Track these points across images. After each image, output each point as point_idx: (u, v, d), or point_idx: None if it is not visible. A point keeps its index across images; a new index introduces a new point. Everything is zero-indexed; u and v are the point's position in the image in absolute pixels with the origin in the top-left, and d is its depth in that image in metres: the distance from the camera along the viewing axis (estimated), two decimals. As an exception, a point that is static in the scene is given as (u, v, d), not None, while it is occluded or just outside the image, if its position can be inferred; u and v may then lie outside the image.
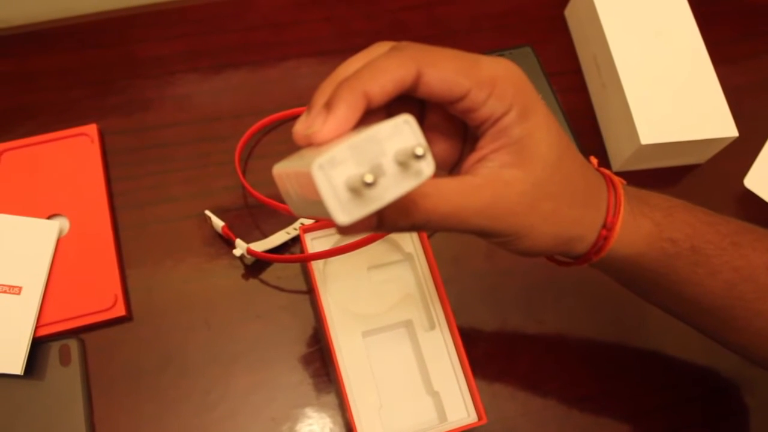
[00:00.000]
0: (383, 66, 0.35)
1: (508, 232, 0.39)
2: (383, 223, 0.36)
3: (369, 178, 0.29)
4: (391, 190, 0.31)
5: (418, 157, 0.31)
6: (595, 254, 0.43)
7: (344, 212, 0.30)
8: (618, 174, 0.70)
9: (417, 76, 0.35)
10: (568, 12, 0.78)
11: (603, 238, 0.42)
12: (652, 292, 0.49)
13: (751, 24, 0.82)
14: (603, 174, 0.44)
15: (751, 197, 0.70)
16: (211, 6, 0.75)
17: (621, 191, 0.43)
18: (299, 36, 0.74)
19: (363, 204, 0.31)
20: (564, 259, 0.45)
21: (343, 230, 0.34)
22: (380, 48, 0.38)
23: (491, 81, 0.36)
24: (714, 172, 0.73)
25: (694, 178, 0.72)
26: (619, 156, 0.69)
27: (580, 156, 0.42)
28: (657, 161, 0.70)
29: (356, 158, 0.31)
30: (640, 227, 0.43)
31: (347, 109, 0.34)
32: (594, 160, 0.47)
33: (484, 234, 0.39)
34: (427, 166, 0.32)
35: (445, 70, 0.36)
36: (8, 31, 0.72)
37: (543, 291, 0.65)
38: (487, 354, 0.62)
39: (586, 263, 0.44)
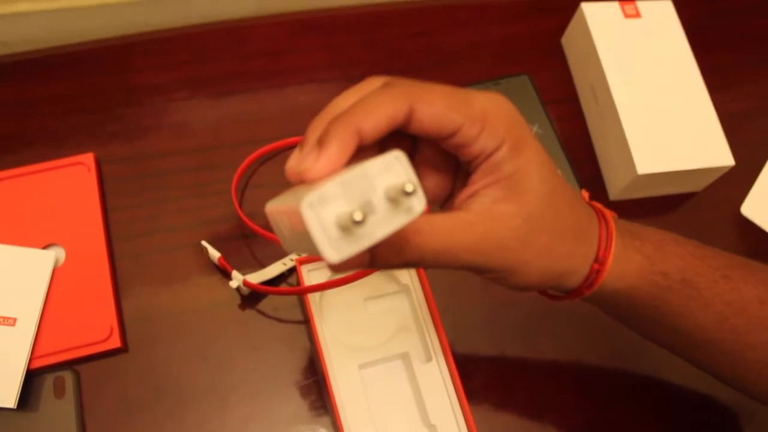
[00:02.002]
0: (376, 102, 0.35)
1: (502, 268, 0.39)
2: (376, 260, 0.36)
3: (358, 216, 0.29)
4: (381, 227, 0.31)
5: (409, 194, 0.31)
6: (587, 288, 0.43)
7: (334, 250, 0.30)
8: (614, 202, 0.71)
9: (409, 113, 0.35)
10: (565, 40, 0.79)
11: (595, 272, 0.42)
12: (645, 325, 0.49)
13: (746, 51, 0.82)
14: (594, 207, 0.44)
15: (748, 225, 0.70)
16: (210, 34, 0.75)
17: (612, 225, 0.43)
18: (297, 64, 0.75)
19: (353, 242, 0.31)
20: (556, 293, 0.45)
21: (335, 267, 0.34)
22: (373, 83, 0.38)
23: (483, 117, 0.37)
24: (711, 199, 0.73)
25: (691, 206, 0.72)
26: (616, 185, 0.69)
27: (571, 190, 0.42)
28: (654, 190, 0.70)
29: (346, 195, 0.31)
30: (632, 261, 0.43)
31: (339, 147, 0.34)
32: (585, 194, 0.47)
33: (477, 270, 0.39)
34: (418, 203, 0.32)
35: (438, 106, 0.36)
36: (7, 59, 0.73)
37: (540, 321, 0.64)
38: (484, 385, 0.62)
39: (578, 297, 0.44)
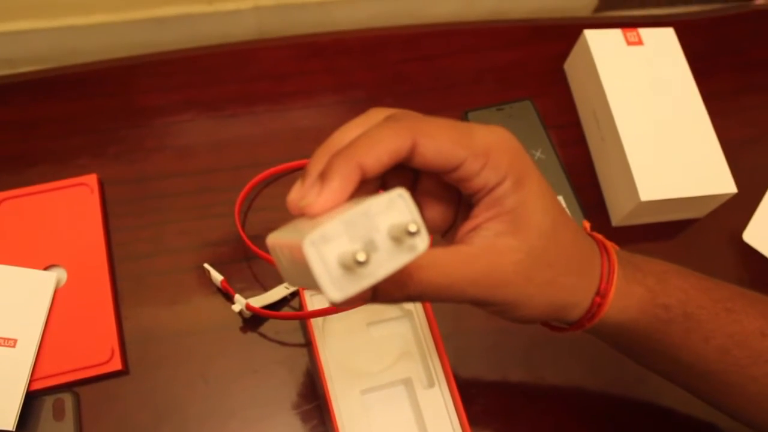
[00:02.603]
0: (378, 137, 0.35)
1: (504, 302, 0.39)
2: (378, 295, 0.36)
3: (361, 257, 0.29)
4: (384, 266, 0.31)
5: (412, 234, 0.31)
6: (589, 320, 0.43)
7: (336, 289, 0.30)
8: (617, 228, 0.71)
9: (412, 147, 0.35)
10: (568, 66, 0.79)
11: (597, 305, 0.42)
12: (646, 357, 0.49)
13: (748, 78, 0.83)
14: (596, 239, 0.44)
15: (750, 252, 0.70)
16: (213, 57, 0.76)
17: (614, 257, 0.43)
18: (300, 87, 0.75)
19: (355, 280, 0.30)
20: (558, 324, 0.45)
21: (337, 305, 0.34)
22: (376, 115, 0.38)
23: (486, 151, 0.37)
24: (713, 226, 0.73)
25: (693, 233, 0.73)
26: (619, 211, 0.69)
27: (573, 222, 0.42)
28: (656, 216, 0.70)
29: (349, 234, 0.31)
30: (633, 293, 0.43)
31: (342, 182, 0.34)
32: (587, 224, 0.47)
33: (479, 304, 0.39)
34: (422, 242, 0.32)
35: (441, 140, 0.36)
36: (10, 79, 0.73)
37: (543, 348, 0.64)
38: (486, 411, 0.61)
39: (579, 329, 0.44)
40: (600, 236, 0.45)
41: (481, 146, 0.37)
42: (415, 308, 0.60)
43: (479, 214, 0.38)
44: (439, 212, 0.41)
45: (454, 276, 0.37)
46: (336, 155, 0.34)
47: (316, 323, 0.58)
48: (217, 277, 0.61)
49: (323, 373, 0.56)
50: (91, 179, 0.65)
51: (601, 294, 0.42)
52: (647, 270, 0.45)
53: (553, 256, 0.39)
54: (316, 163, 0.36)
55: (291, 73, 0.76)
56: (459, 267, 0.37)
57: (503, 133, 0.38)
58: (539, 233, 0.38)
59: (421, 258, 0.34)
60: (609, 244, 0.44)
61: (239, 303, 0.59)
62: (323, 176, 0.34)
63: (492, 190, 0.37)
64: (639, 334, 0.45)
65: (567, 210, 0.47)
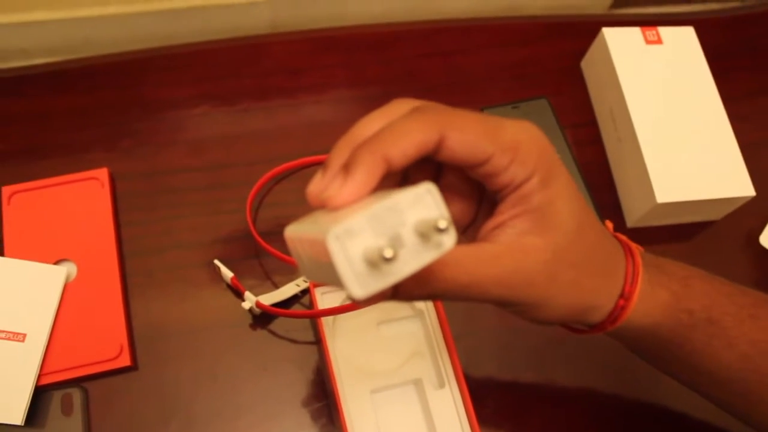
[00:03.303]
0: (406, 129, 0.34)
1: (526, 302, 0.38)
2: (399, 293, 0.35)
3: (389, 253, 0.28)
4: (409, 263, 0.30)
5: (441, 230, 0.29)
6: (611, 323, 0.42)
7: (360, 286, 0.29)
8: (632, 230, 0.70)
9: (440, 141, 0.34)
10: (585, 64, 0.78)
11: (620, 308, 0.41)
12: (667, 362, 0.48)
13: (767, 79, 0.81)
14: (620, 241, 0.43)
15: (767, 255, 0.69)
16: (227, 50, 0.75)
17: (639, 259, 0.42)
18: (314, 82, 0.74)
19: (380, 277, 0.29)
20: (579, 326, 0.44)
21: (357, 301, 0.33)
22: (401, 107, 0.37)
23: (514, 146, 0.36)
24: (730, 229, 0.72)
25: (709, 235, 0.71)
26: (634, 212, 0.68)
27: (599, 223, 0.41)
28: (672, 218, 0.69)
29: (374, 229, 0.29)
30: (657, 297, 0.42)
31: (366, 174, 0.33)
32: (610, 225, 0.46)
33: (501, 303, 0.38)
34: (449, 239, 0.31)
35: (469, 134, 0.35)
36: (24, 71, 0.73)
37: (555, 348, 0.63)
38: (496, 412, 0.61)
39: (601, 332, 0.43)
40: (624, 237, 0.44)
41: (510, 141, 0.36)
42: (427, 308, 0.60)
43: (504, 211, 0.37)
44: (460, 208, 0.40)
45: (477, 275, 0.36)
46: (361, 147, 0.33)
47: (326, 321, 0.58)
48: (227, 273, 0.61)
49: (333, 372, 0.55)
50: (102, 173, 0.65)
51: (625, 296, 0.41)
52: (671, 273, 0.44)
53: (578, 257, 0.38)
54: (339, 155, 0.35)
55: (305, 68, 0.75)
56: (483, 266, 0.36)
57: (532, 129, 0.37)
58: (565, 233, 0.37)
59: (444, 255, 0.33)
60: (633, 245, 0.43)
61: (249, 300, 0.59)
62: (347, 168, 0.33)
63: (519, 186, 0.36)
64: (661, 339, 0.44)
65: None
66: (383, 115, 0.36)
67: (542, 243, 0.37)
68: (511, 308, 0.39)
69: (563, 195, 0.37)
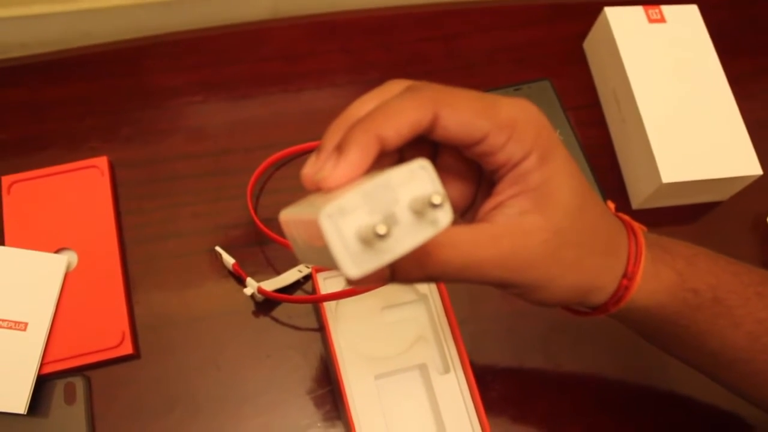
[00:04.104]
0: (399, 108, 0.33)
1: (527, 284, 0.37)
2: (396, 274, 0.35)
3: (382, 230, 0.27)
4: (404, 241, 0.29)
5: (435, 206, 0.29)
6: (614, 305, 0.41)
7: (354, 265, 0.29)
8: (637, 211, 0.69)
9: (434, 119, 0.34)
10: (587, 45, 0.77)
11: (623, 288, 0.40)
12: (672, 344, 0.47)
13: (774, 57, 0.81)
14: (622, 220, 0.43)
15: (775, 236, 0.69)
16: (226, 36, 0.75)
17: (642, 239, 0.41)
18: (314, 67, 0.74)
19: (374, 256, 0.29)
20: (581, 308, 0.43)
21: (354, 282, 0.32)
22: (395, 87, 0.36)
23: (511, 124, 0.35)
24: (736, 209, 0.71)
25: (716, 216, 0.71)
26: (639, 193, 0.68)
27: (600, 201, 0.40)
28: (678, 199, 0.68)
29: (368, 206, 0.29)
30: (662, 276, 0.42)
31: (360, 153, 0.32)
32: (611, 205, 0.45)
33: (501, 285, 0.37)
34: (445, 216, 0.30)
35: (464, 112, 0.34)
36: (21, 61, 0.72)
37: (561, 333, 0.63)
38: (502, 397, 0.60)
39: (604, 314, 0.42)
40: (627, 217, 0.43)
41: (506, 119, 0.35)
42: (431, 292, 0.59)
43: (502, 191, 0.36)
44: (458, 190, 0.40)
45: (476, 256, 0.35)
46: (354, 126, 0.33)
47: (329, 307, 0.57)
48: (228, 260, 0.60)
49: (336, 358, 0.55)
50: (102, 162, 0.65)
51: (628, 276, 0.40)
52: (676, 252, 0.43)
53: (579, 236, 0.37)
54: (333, 135, 0.34)
55: (305, 54, 0.74)
56: (482, 246, 0.35)
57: (529, 106, 0.36)
58: (566, 211, 0.36)
59: (441, 236, 0.32)
60: (636, 225, 0.42)
61: (251, 286, 0.58)
62: (340, 148, 0.32)
63: (516, 165, 0.36)
64: (666, 320, 0.43)
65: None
66: (377, 96, 0.36)
67: (542, 222, 0.36)
68: (511, 290, 0.38)
69: (563, 172, 0.36)
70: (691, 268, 0.43)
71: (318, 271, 0.59)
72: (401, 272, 0.35)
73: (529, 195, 0.36)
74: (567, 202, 0.36)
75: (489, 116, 0.34)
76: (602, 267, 0.40)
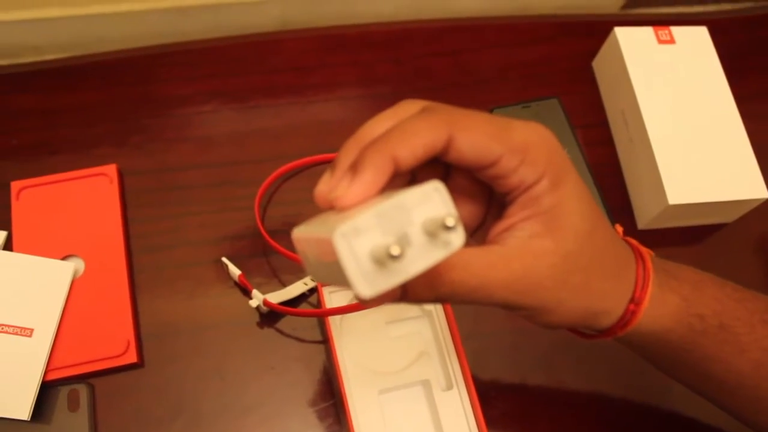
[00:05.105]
0: (414, 129, 0.34)
1: (535, 306, 0.37)
2: (407, 294, 0.35)
3: (395, 251, 0.28)
4: (417, 262, 0.30)
5: (448, 228, 0.29)
6: (620, 329, 0.41)
7: (367, 285, 0.29)
8: (643, 231, 0.69)
9: (448, 141, 0.34)
10: (596, 64, 0.78)
11: (630, 313, 0.41)
12: (677, 368, 0.47)
13: (782, 79, 0.81)
14: (630, 244, 0.43)
15: (780, 259, 0.69)
16: (237, 47, 0.75)
17: (649, 264, 0.41)
18: (324, 80, 0.74)
19: (387, 276, 0.29)
20: (587, 331, 0.44)
21: (365, 302, 0.33)
22: (409, 108, 0.36)
23: (524, 147, 0.35)
24: (741, 231, 0.71)
25: (721, 238, 0.71)
26: (646, 214, 0.68)
27: (609, 226, 0.40)
28: (684, 220, 0.69)
29: (382, 227, 0.29)
30: (668, 302, 0.42)
31: (374, 174, 0.32)
32: (620, 229, 0.45)
33: (509, 307, 0.38)
34: (457, 238, 0.30)
35: (477, 135, 0.35)
36: (33, 66, 0.73)
37: (564, 351, 0.63)
38: (505, 414, 0.60)
39: (610, 337, 0.42)
40: (635, 241, 0.43)
41: (519, 143, 0.35)
42: (435, 308, 0.59)
43: (514, 214, 0.37)
44: (469, 211, 0.40)
45: (486, 278, 0.35)
46: (369, 147, 0.33)
47: (333, 321, 0.57)
48: (235, 271, 0.61)
49: (340, 372, 0.55)
50: (111, 169, 0.65)
51: (635, 301, 0.41)
52: (682, 278, 0.43)
53: (588, 260, 0.38)
54: (347, 155, 0.34)
55: (314, 66, 0.75)
56: (492, 268, 0.35)
57: (542, 130, 0.36)
58: (576, 236, 0.37)
59: (452, 257, 0.33)
60: (644, 249, 0.42)
61: (257, 298, 0.59)
62: (355, 168, 0.33)
63: (528, 188, 0.36)
64: (671, 345, 0.43)
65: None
66: (392, 116, 0.36)
67: (553, 246, 0.36)
68: (519, 312, 0.38)
69: (573, 197, 0.37)
70: (697, 294, 0.43)
71: (324, 285, 0.59)
72: (412, 293, 0.35)
73: (540, 219, 0.36)
74: (577, 226, 0.37)
75: (502, 140, 0.35)
76: (610, 291, 0.40)
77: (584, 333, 0.44)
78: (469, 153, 0.35)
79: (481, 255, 0.36)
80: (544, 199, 0.36)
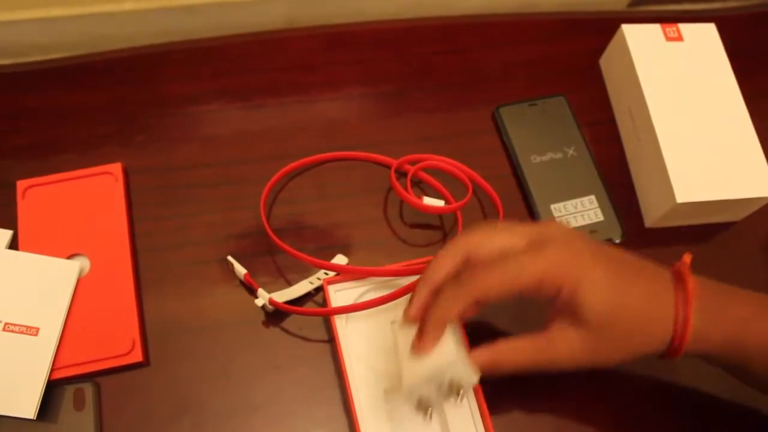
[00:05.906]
0: (450, 305, 0.48)
1: (576, 370, 0.50)
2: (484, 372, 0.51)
3: (429, 410, 0.51)
4: (439, 401, 0.51)
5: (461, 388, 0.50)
6: (661, 358, 0.51)
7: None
8: (650, 230, 0.69)
9: (476, 302, 0.47)
10: (603, 61, 0.77)
11: (673, 350, 0.50)
12: (733, 375, 0.54)
13: (790, 77, 0.80)
14: (677, 280, 0.50)
15: (789, 258, 0.68)
16: (242, 45, 0.75)
17: (691, 304, 0.48)
18: (329, 78, 0.74)
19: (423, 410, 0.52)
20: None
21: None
22: (446, 262, 0.50)
23: (539, 281, 0.47)
24: (749, 229, 0.70)
25: (729, 236, 0.70)
26: (653, 212, 0.67)
27: (642, 281, 0.49)
28: (692, 218, 0.68)
29: (428, 385, 0.49)
30: (711, 339, 0.49)
31: (434, 339, 0.48)
32: (687, 259, 0.52)
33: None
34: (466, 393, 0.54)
35: (496, 290, 0.47)
36: (38, 66, 0.73)
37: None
38: (512, 418, 0.60)
39: (666, 359, 0.52)
40: (685, 274, 0.50)
41: (533, 279, 0.46)
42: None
43: (549, 311, 0.50)
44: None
45: (535, 359, 0.50)
46: (427, 319, 0.48)
47: (339, 320, 0.57)
48: (240, 270, 0.60)
49: (345, 371, 0.55)
50: (116, 168, 0.65)
51: (674, 347, 0.49)
52: (732, 314, 0.50)
53: (616, 332, 0.48)
54: (419, 298, 0.50)
55: (320, 64, 0.74)
56: (539, 352, 0.50)
57: (554, 254, 0.47)
58: (599, 320, 0.47)
59: (510, 342, 0.50)
60: (690, 286, 0.49)
61: (262, 297, 0.59)
62: (420, 333, 0.49)
63: (552, 299, 0.48)
64: (715, 362, 0.52)
65: (632, 254, 0.52)
66: (444, 266, 0.50)
67: (583, 332, 0.48)
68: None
69: (592, 291, 0.47)
70: (743, 334, 0.49)
71: (329, 283, 0.59)
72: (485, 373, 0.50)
73: (567, 314, 0.48)
74: (598, 312, 0.47)
75: (518, 284, 0.47)
76: (645, 343, 0.50)
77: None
78: (497, 301, 0.47)
79: (531, 342, 0.50)
80: (567, 304, 0.48)
